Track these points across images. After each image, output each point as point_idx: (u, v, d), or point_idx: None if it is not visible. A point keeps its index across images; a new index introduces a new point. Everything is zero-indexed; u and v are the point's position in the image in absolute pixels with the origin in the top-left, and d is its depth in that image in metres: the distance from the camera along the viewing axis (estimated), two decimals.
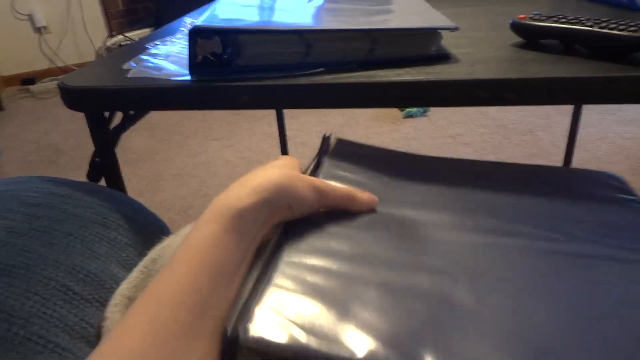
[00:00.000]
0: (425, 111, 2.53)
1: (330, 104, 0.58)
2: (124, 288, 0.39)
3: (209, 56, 0.61)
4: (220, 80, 0.59)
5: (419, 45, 0.62)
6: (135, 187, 2.09)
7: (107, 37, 3.79)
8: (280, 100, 0.59)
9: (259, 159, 2.23)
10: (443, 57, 0.62)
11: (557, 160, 1.76)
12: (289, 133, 2.36)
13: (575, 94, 0.54)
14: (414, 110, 2.50)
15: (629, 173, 1.90)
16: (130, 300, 0.38)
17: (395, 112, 2.55)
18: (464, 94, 0.54)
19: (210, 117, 2.71)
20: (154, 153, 2.38)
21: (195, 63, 0.61)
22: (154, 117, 2.73)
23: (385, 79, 0.55)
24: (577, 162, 1.92)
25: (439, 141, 2.26)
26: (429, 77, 0.55)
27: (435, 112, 2.53)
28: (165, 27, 0.96)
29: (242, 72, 0.60)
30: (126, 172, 2.24)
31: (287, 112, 1.99)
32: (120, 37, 3.78)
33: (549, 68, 0.56)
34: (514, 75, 0.54)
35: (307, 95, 0.58)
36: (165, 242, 0.41)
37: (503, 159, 2.06)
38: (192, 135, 2.54)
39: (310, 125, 2.51)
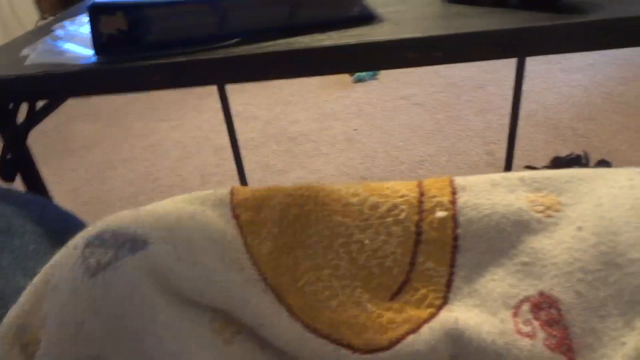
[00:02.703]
0: (375, 74, 2.49)
1: (248, 77, 0.54)
2: (12, 315, 0.35)
3: (116, 34, 0.56)
4: (128, 60, 0.54)
5: (341, 6, 0.58)
6: (82, 176, 2.00)
7: (39, 20, 3.57)
8: (196, 76, 0.54)
9: (209, 136, 2.16)
10: (367, 18, 0.59)
11: (506, 113, 1.77)
12: (238, 107, 2.29)
13: (503, 47, 0.51)
14: (363, 74, 2.46)
15: (576, 120, 1.93)
16: (21, 328, 0.34)
17: (345, 77, 2.51)
18: (389, 55, 0.51)
19: (156, 97, 2.60)
20: (99, 139, 2.28)
21: (100, 43, 0.56)
22: (97, 102, 2.61)
23: (304, 46, 0.52)
24: (525, 113, 1.94)
25: (390, 104, 2.24)
26: (350, 40, 0.52)
27: (386, 75, 2.50)
28: (80, 4, 0.89)
29: (152, 49, 0.55)
30: (71, 162, 2.13)
31: (234, 86, 1.92)
32: (52, 18, 3.57)
33: (475, 22, 0.53)
34: (439, 32, 0.51)
35: (225, 69, 0.54)
36: (55, 258, 0.37)
37: (454, 116, 2.06)
38: (138, 117, 2.44)
39: (261, 98, 2.45)
